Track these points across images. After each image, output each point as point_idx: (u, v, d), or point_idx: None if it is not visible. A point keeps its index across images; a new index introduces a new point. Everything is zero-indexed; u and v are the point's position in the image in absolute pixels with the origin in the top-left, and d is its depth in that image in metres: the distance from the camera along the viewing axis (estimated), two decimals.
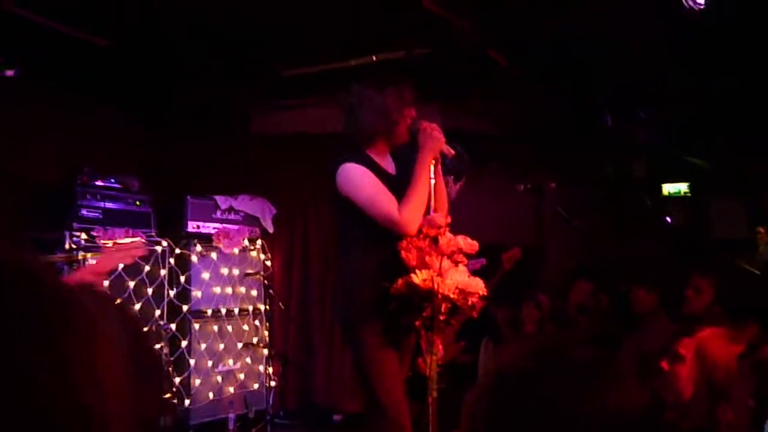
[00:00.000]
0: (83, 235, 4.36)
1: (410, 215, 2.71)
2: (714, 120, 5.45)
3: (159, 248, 4.77)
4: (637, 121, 5.59)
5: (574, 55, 4.73)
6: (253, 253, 5.54)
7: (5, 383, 0.42)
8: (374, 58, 4.88)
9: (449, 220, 2.80)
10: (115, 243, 2.60)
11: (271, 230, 5.67)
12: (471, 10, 4.16)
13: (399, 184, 2.81)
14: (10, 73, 1.82)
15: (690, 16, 3.50)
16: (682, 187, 6.61)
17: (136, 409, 0.59)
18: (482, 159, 5.55)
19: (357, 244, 2.80)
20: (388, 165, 2.93)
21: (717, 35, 4.01)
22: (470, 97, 5.61)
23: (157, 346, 4.33)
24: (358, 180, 2.75)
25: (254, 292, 5.52)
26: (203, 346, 5.05)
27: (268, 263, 5.64)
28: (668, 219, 6.60)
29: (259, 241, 5.58)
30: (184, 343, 4.90)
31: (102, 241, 4.32)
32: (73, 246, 4.26)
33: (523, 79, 5.08)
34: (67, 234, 4.30)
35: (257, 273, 5.52)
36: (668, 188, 6.61)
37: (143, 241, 2.64)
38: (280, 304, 5.66)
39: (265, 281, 5.58)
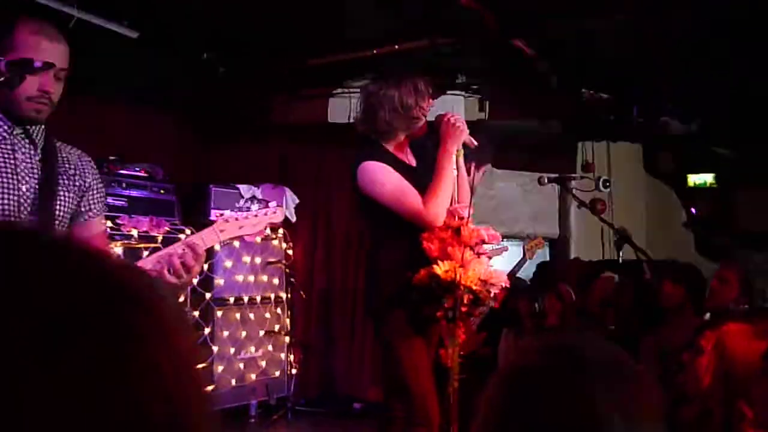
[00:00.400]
0: (108, 223, 4.41)
1: (436, 208, 2.71)
2: (741, 109, 5.36)
3: (182, 236, 4.81)
4: (665, 112, 5.51)
5: (598, 46, 4.68)
6: (275, 242, 5.57)
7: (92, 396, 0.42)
8: (397, 47, 4.87)
9: (472, 211, 2.79)
10: (237, 215, 2.46)
11: (293, 219, 5.69)
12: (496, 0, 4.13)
13: (421, 176, 2.80)
14: (38, 64, 1.84)
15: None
16: (708, 178, 6.51)
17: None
18: (506, 149, 5.53)
19: (383, 239, 2.81)
20: (408, 157, 2.92)
21: (742, 22, 3.94)
22: (495, 86, 5.57)
23: None
24: (380, 178, 2.74)
25: (276, 281, 5.56)
26: (226, 333, 5.10)
27: (290, 252, 5.67)
28: (693, 210, 6.51)
29: (281, 230, 5.60)
30: (206, 330, 4.95)
31: (127, 228, 4.37)
32: None
33: (548, 69, 5.04)
34: None
35: (279, 261, 5.55)
36: (694, 179, 6.51)
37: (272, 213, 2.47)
38: (302, 292, 5.69)
39: (287, 270, 5.61)
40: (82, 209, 2.06)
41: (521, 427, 0.81)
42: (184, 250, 2.09)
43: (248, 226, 2.37)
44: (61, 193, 2.00)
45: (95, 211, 2.10)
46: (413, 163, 2.91)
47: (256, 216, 2.42)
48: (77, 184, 2.05)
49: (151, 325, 0.46)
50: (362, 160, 2.76)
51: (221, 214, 5.06)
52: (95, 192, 2.10)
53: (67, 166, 2.04)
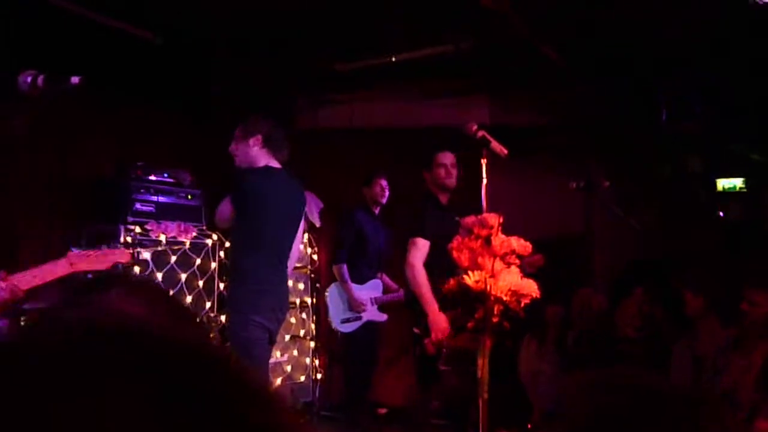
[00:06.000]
0: (137, 229, 4.45)
1: None
2: None
3: (209, 242, 4.85)
4: (692, 116, 5.43)
5: (626, 48, 4.63)
6: (300, 247, 5.58)
7: None
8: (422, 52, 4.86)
9: (501, 220, 2.77)
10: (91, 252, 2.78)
11: (318, 224, 5.70)
12: (520, 2, 4.10)
13: None
14: (75, 80, 1.84)
15: (754, 8, 3.40)
16: (737, 182, 6.40)
17: None
18: (531, 152, 5.48)
19: None
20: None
21: None
22: (520, 89, 5.53)
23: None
24: None
25: (301, 286, 5.57)
26: None
27: (315, 257, 5.68)
28: (721, 214, 6.41)
29: (306, 235, 5.61)
30: None
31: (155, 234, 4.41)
32: (128, 239, 4.36)
33: (574, 72, 4.99)
34: (122, 228, 4.40)
35: (304, 267, 5.56)
36: (723, 183, 6.41)
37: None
38: None
39: (312, 275, 5.62)
40: None
41: None
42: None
43: (97, 263, 2.67)
44: None
45: None
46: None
47: (105, 254, 2.72)
48: None
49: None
50: None
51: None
52: None
53: None
